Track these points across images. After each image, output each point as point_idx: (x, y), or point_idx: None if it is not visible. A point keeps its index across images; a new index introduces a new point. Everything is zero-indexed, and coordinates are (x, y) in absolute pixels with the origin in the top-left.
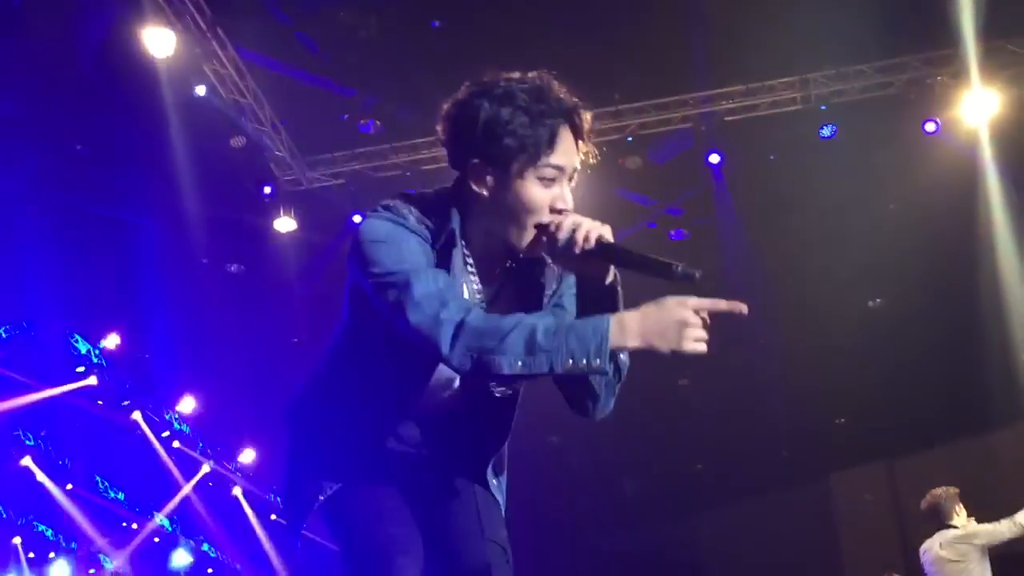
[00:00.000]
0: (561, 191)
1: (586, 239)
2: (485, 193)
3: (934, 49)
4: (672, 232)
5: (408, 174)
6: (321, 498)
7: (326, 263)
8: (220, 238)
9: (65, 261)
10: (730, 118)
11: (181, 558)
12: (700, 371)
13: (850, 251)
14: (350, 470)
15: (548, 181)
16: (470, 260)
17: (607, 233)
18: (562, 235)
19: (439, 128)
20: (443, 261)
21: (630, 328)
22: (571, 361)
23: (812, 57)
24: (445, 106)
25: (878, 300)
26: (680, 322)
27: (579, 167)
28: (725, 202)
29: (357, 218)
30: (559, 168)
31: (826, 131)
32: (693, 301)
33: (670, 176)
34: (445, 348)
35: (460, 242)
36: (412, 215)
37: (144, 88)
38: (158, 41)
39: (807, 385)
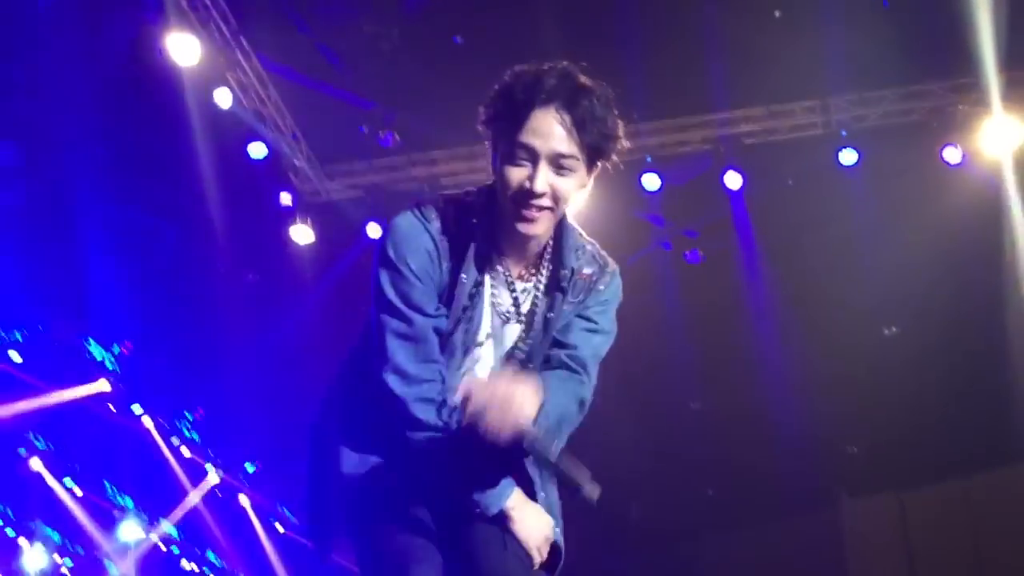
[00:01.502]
0: (534, 173)
1: (494, 431)
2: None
3: (957, 77)
4: (687, 253)
5: (426, 187)
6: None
7: (342, 273)
8: (237, 246)
9: (81, 265)
10: (749, 141)
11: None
12: (712, 395)
13: (868, 278)
14: (371, 486)
15: (521, 160)
16: (496, 266)
17: (525, 418)
18: (468, 410)
19: None
20: (456, 259)
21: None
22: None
23: (834, 81)
24: None
25: (894, 328)
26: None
27: (565, 151)
28: (743, 225)
29: (372, 227)
30: (526, 147)
31: (849, 157)
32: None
33: (688, 198)
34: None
35: (476, 239)
36: (438, 220)
37: (167, 95)
38: (183, 49)
39: (821, 412)
